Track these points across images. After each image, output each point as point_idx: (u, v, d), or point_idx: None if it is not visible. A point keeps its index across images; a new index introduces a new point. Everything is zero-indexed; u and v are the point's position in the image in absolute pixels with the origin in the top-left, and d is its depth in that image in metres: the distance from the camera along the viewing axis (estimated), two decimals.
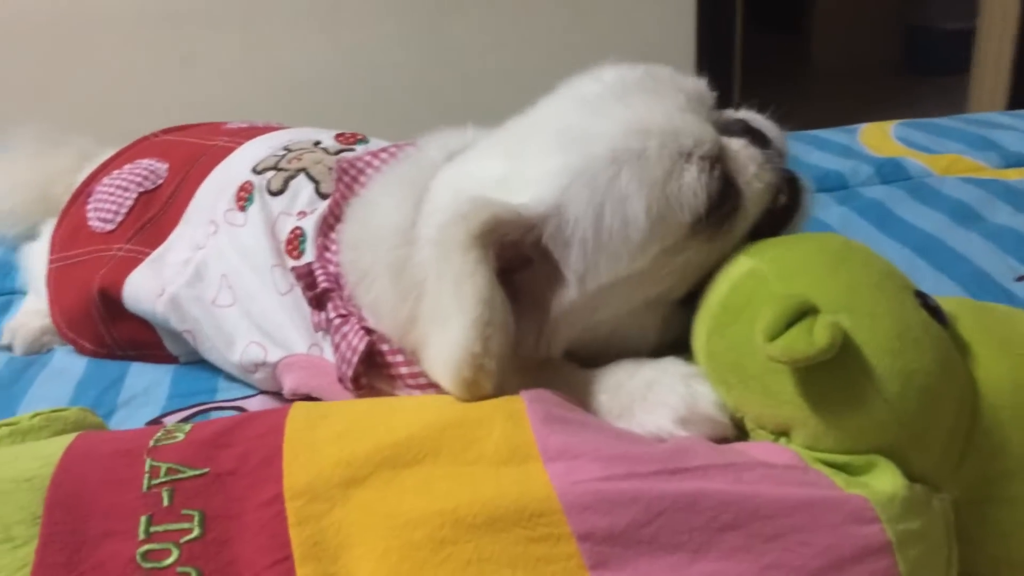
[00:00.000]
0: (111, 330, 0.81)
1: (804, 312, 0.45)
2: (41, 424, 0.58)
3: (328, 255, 0.69)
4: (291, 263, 0.72)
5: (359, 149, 0.81)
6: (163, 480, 0.46)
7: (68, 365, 0.81)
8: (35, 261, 0.91)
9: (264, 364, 0.71)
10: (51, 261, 0.87)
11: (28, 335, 0.85)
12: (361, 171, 0.73)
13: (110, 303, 0.80)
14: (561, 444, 0.45)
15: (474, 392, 0.49)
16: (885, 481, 0.43)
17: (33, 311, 0.88)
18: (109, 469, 0.47)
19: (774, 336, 0.44)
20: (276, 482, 0.45)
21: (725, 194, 0.54)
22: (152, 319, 0.79)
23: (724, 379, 0.49)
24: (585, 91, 0.58)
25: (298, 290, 0.70)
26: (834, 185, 1.05)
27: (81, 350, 0.83)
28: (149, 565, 0.42)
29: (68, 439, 0.50)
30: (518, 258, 0.52)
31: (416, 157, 0.65)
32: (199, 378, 0.77)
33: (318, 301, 0.66)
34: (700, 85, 0.59)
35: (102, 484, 0.46)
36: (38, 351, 0.85)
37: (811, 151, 1.16)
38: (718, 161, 0.54)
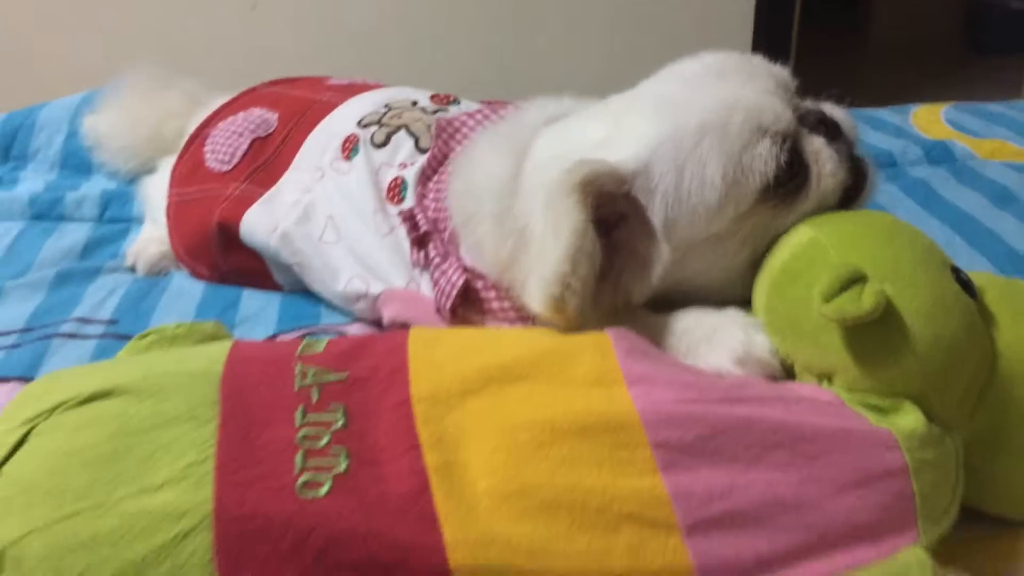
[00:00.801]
0: (226, 259, 0.92)
1: (855, 279, 0.53)
2: (184, 333, 0.69)
3: (427, 202, 0.78)
4: (392, 209, 0.81)
5: (452, 110, 0.90)
6: (311, 382, 0.56)
7: (187, 287, 0.92)
8: (154, 193, 1.01)
9: (366, 296, 0.81)
10: (171, 195, 0.97)
11: (149, 259, 0.96)
12: (457, 129, 0.82)
13: (227, 235, 0.90)
14: (641, 372, 0.54)
15: (560, 310, 0.58)
16: (908, 420, 0.52)
17: (152, 238, 0.99)
18: (265, 371, 0.57)
19: (829, 298, 0.53)
20: (404, 389, 0.55)
21: (794, 170, 0.62)
22: (264, 251, 0.89)
23: (780, 330, 0.58)
24: (685, 70, 0.66)
25: (397, 233, 0.80)
26: (884, 163, 1.12)
27: (197, 275, 0.94)
28: (307, 445, 0.52)
29: (226, 345, 0.61)
30: (615, 215, 0.61)
31: (517, 119, 0.74)
32: (303, 305, 0.88)
33: (419, 242, 0.76)
34: (785, 73, 0.67)
35: (261, 382, 0.56)
36: (157, 273, 0.96)
37: (866, 130, 1.22)
38: (791, 139, 0.63)
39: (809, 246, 0.58)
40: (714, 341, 0.59)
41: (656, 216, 0.60)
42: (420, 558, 0.48)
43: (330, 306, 0.87)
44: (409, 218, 0.77)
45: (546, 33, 2.37)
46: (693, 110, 0.62)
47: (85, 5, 2.14)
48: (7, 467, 0.51)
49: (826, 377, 0.56)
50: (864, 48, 4.46)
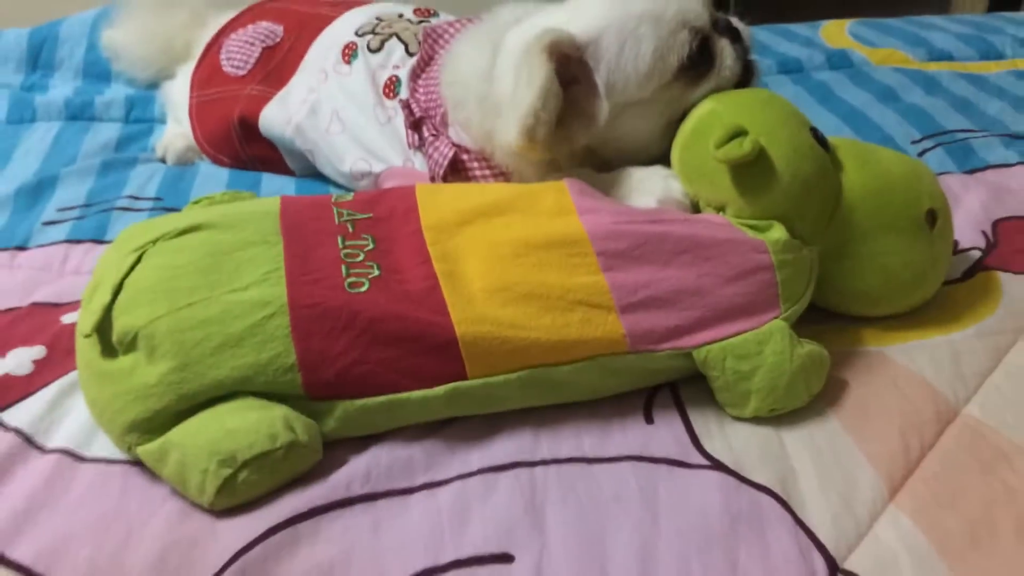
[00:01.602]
0: (246, 148, 1.10)
1: (739, 133, 0.74)
2: (229, 199, 0.88)
3: (418, 95, 0.97)
4: (389, 102, 1.00)
5: (433, 21, 1.08)
6: (346, 219, 0.76)
7: (214, 172, 1.10)
8: (176, 95, 1.18)
9: (369, 173, 1.00)
10: (192, 97, 1.15)
11: (177, 150, 1.13)
12: (440, 35, 1.01)
13: (247, 128, 1.09)
14: (588, 205, 0.75)
15: (532, 138, 0.77)
16: (775, 233, 0.74)
17: (177, 133, 1.16)
18: (311, 211, 0.77)
19: (720, 146, 0.74)
20: (416, 222, 0.76)
21: (703, 57, 0.83)
22: (280, 141, 1.07)
23: (688, 177, 0.79)
24: None
25: (395, 121, 0.99)
26: (792, 68, 1.33)
27: (220, 163, 1.12)
28: (349, 259, 0.72)
29: (276, 198, 0.80)
30: (569, 77, 0.80)
31: (492, 20, 0.93)
32: (315, 186, 1.06)
33: (414, 125, 0.95)
34: None
35: (310, 219, 0.76)
36: (184, 163, 1.13)
37: (780, 41, 1.43)
38: (705, 35, 0.83)
39: (709, 114, 0.79)
40: (642, 188, 0.80)
41: (600, 78, 0.81)
42: (436, 330, 0.68)
43: (338, 185, 1.06)
44: (406, 106, 0.96)
45: None
46: (636, 3, 0.82)
47: None
48: (129, 279, 0.70)
49: (720, 208, 0.77)
50: None
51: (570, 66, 0.81)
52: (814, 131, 0.79)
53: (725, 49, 0.85)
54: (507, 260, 0.72)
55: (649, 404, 0.72)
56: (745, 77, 0.87)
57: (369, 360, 0.67)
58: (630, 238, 0.72)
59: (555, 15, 0.87)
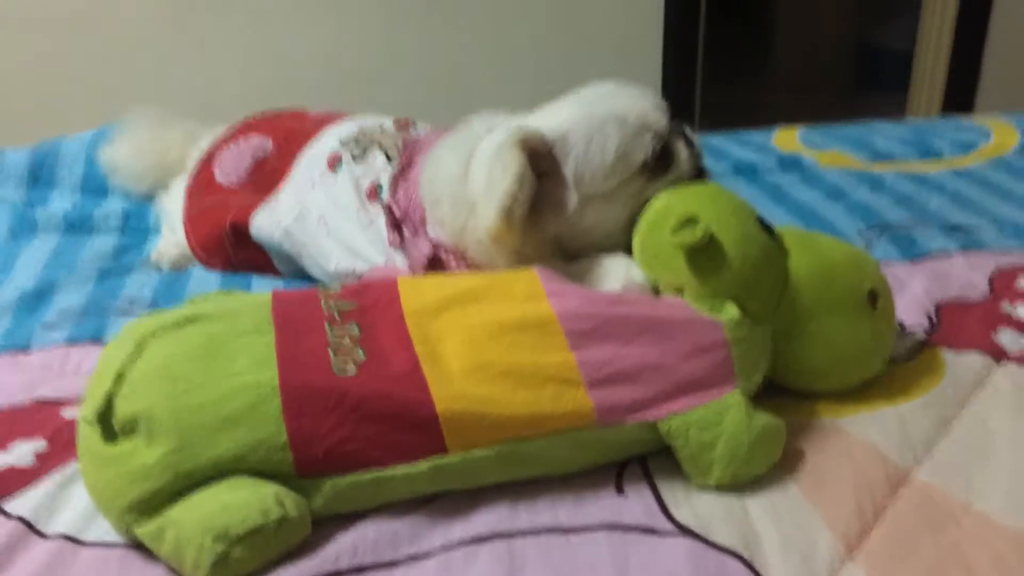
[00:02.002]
0: (237, 253, 1.17)
1: (691, 221, 0.82)
2: (223, 297, 0.94)
3: (398, 198, 1.05)
4: (372, 206, 1.08)
5: (411, 131, 1.17)
6: (333, 308, 0.82)
7: (207, 277, 1.16)
8: (171, 205, 1.26)
9: (353, 272, 1.06)
10: (187, 205, 1.22)
11: (171, 257, 1.20)
12: (419, 145, 1.09)
13: (238, 233, 1.15)
14: (557, 289, 0.81)
15: (508, 222, 0.84)
16: (729, 312, 0.80)
17: (171, 242, 1.23)
18: (300, 303, 0.83)
19: (675, 233, 0.81)
20: (398, 309, 0.82)
21: (662, 157, 0.91)
22: (269, 245, 1.14)
23: (648, 264, 0.86)
24: (597, 87, 0.95)
25: (377, 224, 1.06)
26: (746, 171, 1.43)
27: (212, 268, 1.18)
28: (336, 345, 0.78)
29: (267, 293, 0.86)
30: (539, 172, 0.87)
31: (467, 129, 1.01)
32: (302, 286, 1.12)
33: (395, 226, 1.02)
34: (663, 102, 0.96)
35: (299, 309, 0.82)
36: (178, 269, 1.20)
37: (735, 147, 1.54)
38: (664, 137, 0.92)
39: (664, 206, 0.87)
40: (606, 274, 0.87)
41: (569, 170, 0.88)
42: (418, 407, 0.73)
43: (324, 286, 1.12)
44: (387, 208, 1.03)
45: (473, 65, 2.66)
46: (602, 106, 0.92)
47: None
48: (130, 368, 0.75)
49: (679, 291, 0.84)
50: (765, 82, 4.87)
51: (540, 161, 0.89)
52: (761, 220, 0.86)
53: (681, 150, 0.94)
54: (483, 341, 0.78)
55: (620, 476, 0.77)
56: (698, 176, 0.95)
57: (356, 438, 0.72)
58: (596, 318, 0.79)
59: (526, 118, 0.96)
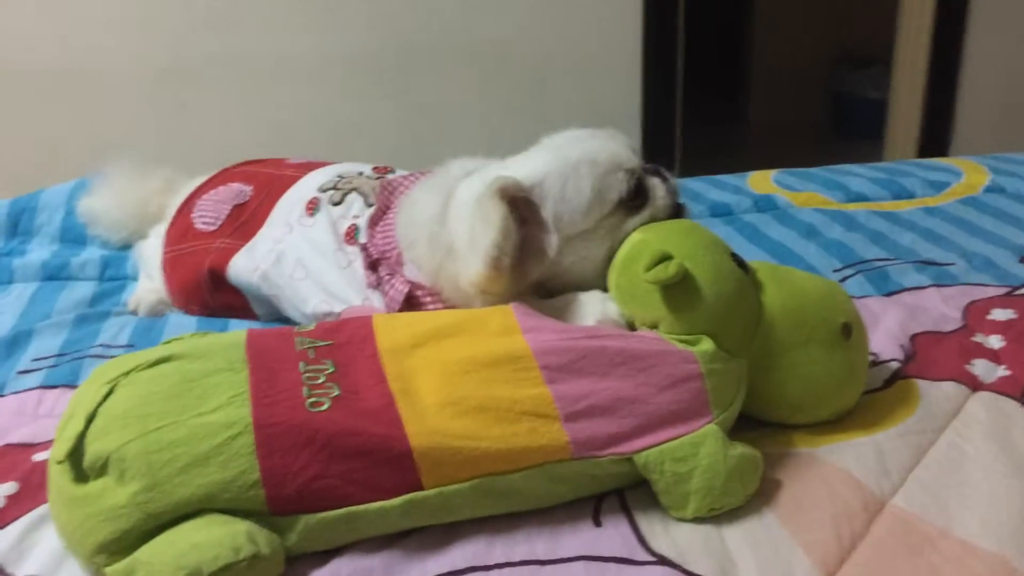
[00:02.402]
0: (215, 297, 1.17)
1: (665, 258, 0.83)
2: (197, 337, 0.94)
3: (375, 240, 1.06)
4: (349, 248, 1.08)
5: (389, 176, 1.18)
6: (307, 346, 0.82)
7: (184, 321, 1.16)
8: (149, 253, 1.26)
9: (330, 313, 1.06)
10: (166, 252, 1.22)
11: (149, 303, 1.20)
12: (396, 187, 1.10)
13: (216, 278, 1.16)
14: (531, 324, 0.82)
15: (497, 269, 0.84)
16: (703, 345, 0.81)
17: (149, 288, 1.22)
18: (275, 341, 0.83)
19: (648, 270, 0.82)
20: (373, 346, 0.82)
21: (637, 194, 0.93)
22: (247, 289, 1.14)
23: (623, 299, 0.87)
24: (567, 133, 0.97)
25: (354, 265, 1.06)
26: (722, 212, 1.45)
27: (189, 313, 1.18)
28: (310, 382, 0.77)
29: (242, 331, 0.86)
30: (519, 219, 0.88)
31: (444, 173, 1.02)
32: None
33: (372, 266, 1.03)
34: (634, 144, 0.98)
35: (273, 347, 0.82)
36: (155, 315, 1.19)
37: (711, 189, 1.56)
38: (637, 175, 0.93)
39: (639, 243, 0.88)
40: (582, 310, 0.88)
41: (548, 213, 0.90)
42: (391, 443, 0.73)
43: (300, 326, 1.11)
44: (364, 250, 1.04)
45: (455, 124, 2.70)
46: (575, 150, 0.94)
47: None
48: (103, 407, 0.75)
49: (653, 326, 0.84)
50: (743, 132, 4.96)
51: (519, 208, 0.90)
52: (734, 256, 0.87)
53: (657, 186, 0.95)
54: (458, 377, 0.78)
55: (597, 509, 0.76)
56: (676, 213, 0.97)
57: (329, 474, 0.71)
58: (571, 352, 0.79)
59: (502, 166, 0.97)
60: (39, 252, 1.34)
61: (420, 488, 0.72)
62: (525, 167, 0.94)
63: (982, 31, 3.08)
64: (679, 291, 0.82)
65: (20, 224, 1.38)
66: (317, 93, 2.64)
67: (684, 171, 1.57)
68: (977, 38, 3.10)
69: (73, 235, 1.38)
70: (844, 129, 4.80)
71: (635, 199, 0.92)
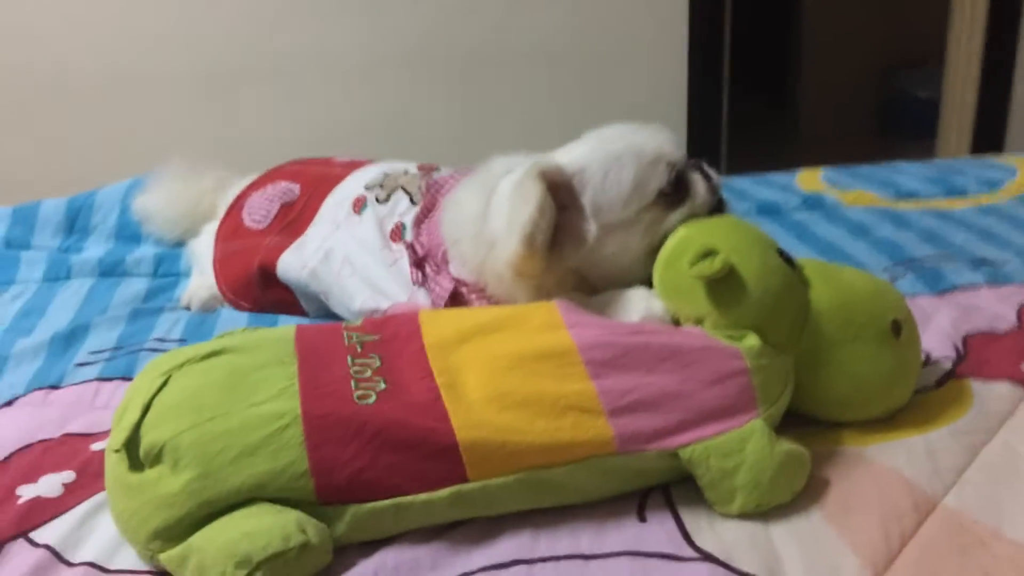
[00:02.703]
0: (265, 293, 1.19)
1: (711, 253, 0.82)
2: (248, 332, 0.95)
3: (421, 238, 1.07)
4: (395, 246, 1.09)
5: (435, 175, 1.19)
6: (355, 340, 0.83)
7: (235, 316, 1.18)
8: (201, 250, 1.29)
9: (377, 310, 1.08)
10: (216, 250, 1.25)
11: (202, 299, 1.22)
12: (441, 187, 1.11)
13: (266, 275, 1.18)
14: (575, 319, 0.82)
15: (532, 247, 0.85)
16: (749, 341, 0.80)
17: (202, 284, 1.25)
18: (323, 336, 0.84)
19: (694, 264, 0.82)
20: (419, 341, 0.83)
21: (678, 187, 0.92)
22: (296, 285, 1.16)
23: (668, 295, 0.87)
24: (616, 127, 0.97)
25: (400, 263, 1.08)
26: (770, 210, 1.43)
27: (240, 308, 1.21)
28: (357, 375, 0.78)
29: (291, 326, 0.87)
30: (559, 204, 0.89)
31: (487, 171, 1.03)
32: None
33: (418, 264, 1.04)
34: (680, 141, 0.98)
35: (322, 342, 0.83)
36: (208, 310, 1.22)
37: (759, 188, 1.54)
38: (679, 168, 0.93)
39: (684, 238, 0.87)
40: (626, 306, 0.88)
41: (587, 201, 0.90)
42: (438, 436, 0.73)
43: (347, 322, 1.13)
44: (410, 247, 1.05)
45: (502, 128, 2.71)
46: (619, 142, 0.94)
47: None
48: (157, 399, 0.77)
49: (699, 322, 0.84)
50: (792, 132, 4.89)
51: (559, 194, 0.90)
52: (781, 251, 0.87)
53: (698, 181, 0.95)
54: (503, 371, 0.78)
55: (642, 505, 0.76)
56: (717, 208, 0.96)
57: (377, 466, 0.72)
58: (615, 348, 0.79)
59: (550, 155, 0.98)
60: (95, 249, 1.38)
61: (466, 480, 0.73)
62: (568, 156, 0.94)
63: None
64: (724, 286, 0.82)
65: (77, 222, 1.42)
66: (366, 92, 2.67)
67: (731, 171, 1.57)
68: None
69: (128, 232, 1.42)
70: (895, 129, 4.72)
71: (676, 192, 0.92)
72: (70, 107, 2.48)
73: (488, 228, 0.94)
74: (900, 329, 0.86)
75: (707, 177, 0.97)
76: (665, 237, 0.90)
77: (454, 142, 2.65)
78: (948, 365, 0.95)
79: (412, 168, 1.21)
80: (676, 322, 0.87)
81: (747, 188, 1.54)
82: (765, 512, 0.74)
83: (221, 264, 1.23)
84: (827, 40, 4.77)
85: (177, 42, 2.54)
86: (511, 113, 2.75)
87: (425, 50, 2.65)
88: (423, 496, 0.72)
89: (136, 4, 2.49)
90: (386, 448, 0.73)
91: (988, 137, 3.27)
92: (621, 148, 0.92)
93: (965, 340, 1.00)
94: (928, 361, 0.96)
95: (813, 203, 1.46)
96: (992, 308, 1.08)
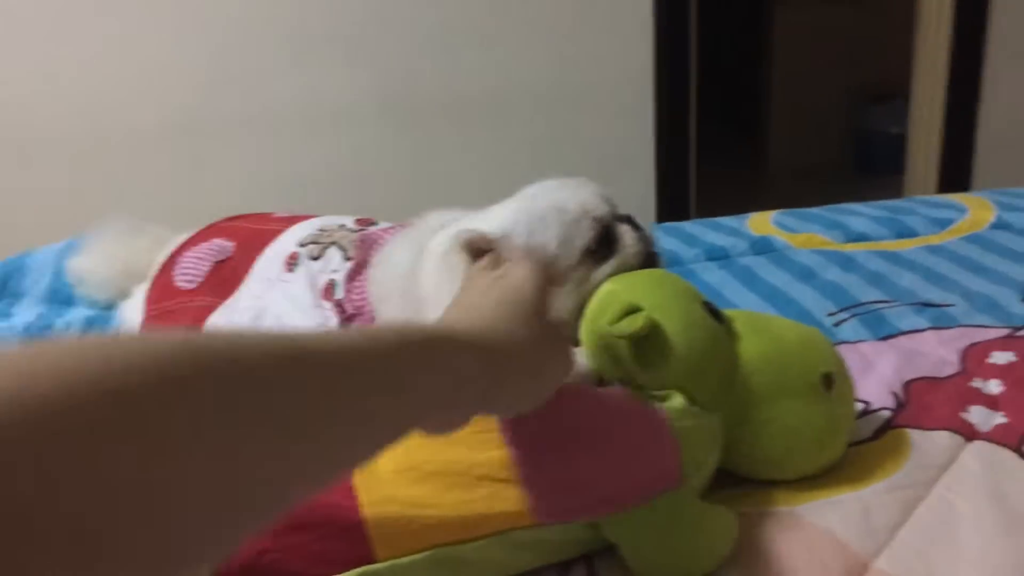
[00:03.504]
0: None
1: (633, 310, 0.80)
2: None
3: (352, 295, 1.04)
4: (327, 304, 1.06)
5: (371, 228, 1.17)
6: None
7: None
8: (132, 313, 1.25)
9: None
10: (148, 311, 1.21)
11: None
12: (375, 240, 1.09)
13: None
14: None
15: None
16: (674, 402, 0.77)
17: None
18: None
19: (615, 323, 0.79)
20: None
21: (605, 243, 0.90)
22: None
23: (593, 353, 0.84)
24: (541, 184, 0.96)
25: (331, 323, 1.05)
26: (718, 256, 1.41)
27: None
28: None
29: None
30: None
31: (420, 226, 1.01)
32: None
33: (347, 322, 1.01)
34: (607, 194, 0.96)
35: None
36: None
37: (707, 232, 1.53)
38: (605, 223, 0.91)
39: (608, 294, 0.85)
40: None
41: None
42: (343, 513, 0.70)
43: None
44: (338, 305, 1.02)
45: (471, 170, 2.71)
46: (543, 199, 0.92)
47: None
48: None
49: (624, 382, 0.81)
50: (763, 172, 4.92)
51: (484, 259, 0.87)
52: (707, 304, 0.84)
53: (626, 233, 0.92)
54: (414, 442, 0.75)
55: None
56: (648, 261, 0.94)
57: (276, 548, 0.68)
58: (533, 412, 0.76)
59: (475, 219, 0.95)
60: (24, 315, 1.34)
61: (373, 560, 0.69)
62: (494, 218, 0.92)
63: (999, 63, 3.05)
64: (648, 344, 0.79)
65: (8, 286, 1.38)
66: (325, 145, 2.67)
67: (700, 213, 1.55)
68: (994, 70, 3.07)
69: (60, 296, 1.38)
70: (865, 165, 4.77)
71: (602, 248, 0.90)
72: (17, 163, 2.46)
73: (417, 286, 0.92)
74: (832, 382, 0.83)
75: (637, 228, 0.94)
76: (593, 293, 0.88)
77: (418, 194, 2.65)
78: (886, 414, 0.92)
79: (349, 222, 1.19)
80: (601, 381, 0.84)
81: (698, 233, 1.52)
82: None
83: (151, 325, 1.19)
84: (797, 74, 4.82)
85: (131, 95, 2.53)
86: (477, 161, 2.75)
87: (387, 103, 2.65)
88: None
89: (90, 56, 2.48)
90: (288, 528, 0.69)
91: (955, 173, 3.30)
92: (544, 208, 0.90)
93: (906, 387, 0.98)
94: (867, 411, 0.93)
95: (762, 246, 1.44)
96: (936, 353, 1.05)
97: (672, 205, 2.95)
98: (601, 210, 0.92)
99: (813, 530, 0.76)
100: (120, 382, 0.33)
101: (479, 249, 0.87)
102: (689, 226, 1.58)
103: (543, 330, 0.65)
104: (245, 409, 0.37)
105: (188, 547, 0.34)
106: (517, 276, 0.68)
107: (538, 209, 0.91)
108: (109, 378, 0.33)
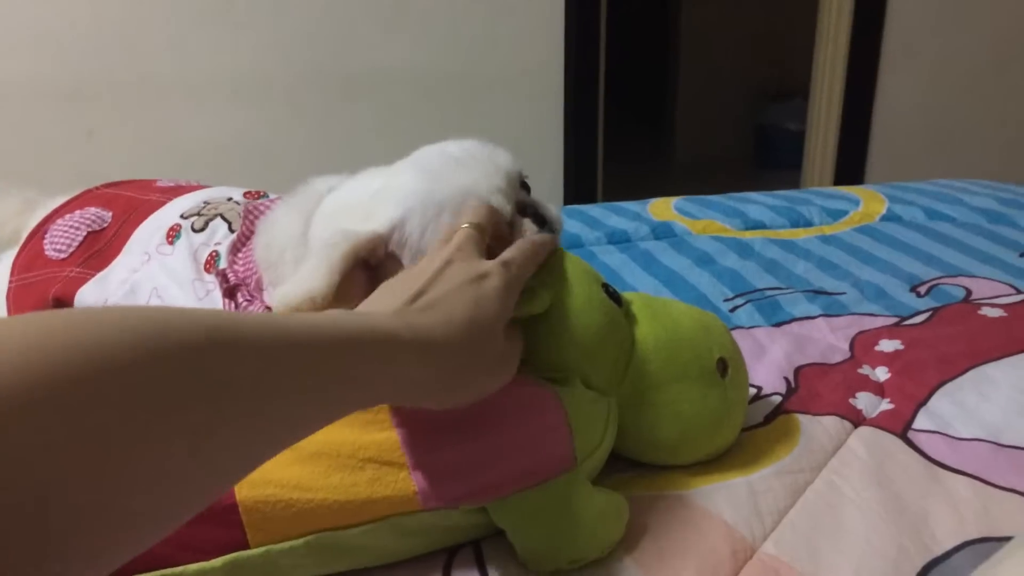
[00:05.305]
0: None
1: (531, 290, 0.77)
2: None
3: (236, 266, 0.98)
4: (208, 277, 1.00)
5: (259, 201, 1.11)
6: None
7: None
8: None
9: None
10: (12, 281, 1.12)
11: None
12: (261, 211, 1.03)
13: (62, 308, 1.06)
14: None
15: (300, 311, 0.77)
16: (570, 384, 0.75)
17: None
18: None
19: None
20: None
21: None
22: None
23: None
24: (443, 155, 0.88)
25: (213, 295, 0.99)
26: (620, 239, 1.41)
27: None
28: None
29: None
30: (378, 258, 0.82)
31: (307, 189, 0.95)
32: None
33: (230, 293, 0.95)
34: (517, 168, 0.91)
35: None
36: None
37: (610, 215, 1.52)
38: (508, 222, 0.87)
39: None
40: None
41: (407, 260, 0.82)
42: None
43: None
44: (221, 275, 0.96)
45: (373, 146, 2.65)
46: (438, 191, 0.86)
47: None
48: None
49: (523, 362, 0.79)
50: (668, 164, 4.99)
51: (378, 252, 0.83)
52: (607, 287, 0.82)
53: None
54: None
55: (449, 564, 0.70)
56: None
57: None
58: None
59: (368, 182, 0.90)
60: None
61: (246, 546, 0.65)
62: (389, 201, 0.86)
63: (893, 65, 3.16)
64: (546, 325, 0.77)
65: None
66: (234, 115, 2.57)
67: (607, 194, 1.54)
68: (889, 73, 3.18)
69: None
70: (767, 160, 4.90)
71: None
72: None
73: (307, 252, 0.87)
74: (727, 367, 0.83)
75: (541, 223, 0.91)
76: None
77: (321, 168, 2.57)
78: (777, 400, 0.93)
79: (237, 194, 1.13)
80: None
81: (600, 216, 1.51)
82: (580, 567, 0.69)
83: (14, 295, 1.11)
84: (702, 74, 4.92)
85: (35, 53, 2.38)
86: (381, 140, 2.70)
87: (293, 76, 2.57)
88: (195, 566, 0.64)
89: None
90: None
91: (849, 168, 3.42)
92: (440, 200, 0.83)
93: (797, 372, 0.99)
94: (759, 396, 0.93)
95: (663, 232, 1.44)
96: (826, 339, 1.07)
97: (579, 194, 2.96)
98: (498, 200, 0.88)
99: (702, 513, 0.75)
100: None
101: (366, 255, 0.82)
102: (592, 209, 1.58)
103: (499, 346, 0.67)
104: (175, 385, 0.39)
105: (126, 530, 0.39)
106: (494, 286, 0.67)
107: (432, 202, 0.83)
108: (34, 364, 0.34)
